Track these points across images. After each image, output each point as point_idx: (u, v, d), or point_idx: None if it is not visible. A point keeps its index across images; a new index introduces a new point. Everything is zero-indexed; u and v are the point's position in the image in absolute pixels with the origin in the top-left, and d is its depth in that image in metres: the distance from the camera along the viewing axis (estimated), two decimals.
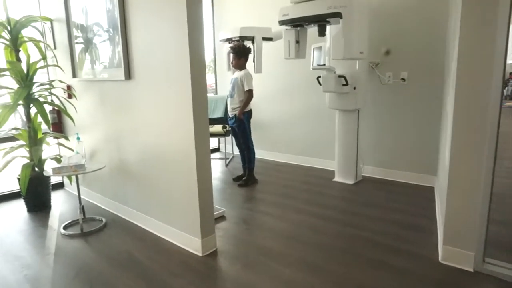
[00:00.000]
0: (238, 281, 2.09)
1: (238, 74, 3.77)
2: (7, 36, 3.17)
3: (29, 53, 3.29)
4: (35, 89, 3.30)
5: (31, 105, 3.24)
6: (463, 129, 2.04)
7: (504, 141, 2.10)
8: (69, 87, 3.45)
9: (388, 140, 3.92)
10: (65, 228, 2.90)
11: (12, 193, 3.66)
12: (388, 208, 3.12)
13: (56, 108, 3.47)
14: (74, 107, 3.38)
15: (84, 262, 2.36)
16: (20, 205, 3.44)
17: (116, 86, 2.88)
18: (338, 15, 2.97)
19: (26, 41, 3.28)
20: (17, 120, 3.86)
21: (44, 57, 3.38)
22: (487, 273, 2.06)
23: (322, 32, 3.37)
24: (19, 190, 3.26)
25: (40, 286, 2.11)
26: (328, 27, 3.40)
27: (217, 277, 2.17)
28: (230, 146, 5.37)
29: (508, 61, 1.95)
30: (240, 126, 3.82)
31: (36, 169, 3.32)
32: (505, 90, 2.03)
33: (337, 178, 3.97)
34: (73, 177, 3.43)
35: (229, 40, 4.12)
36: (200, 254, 2.41)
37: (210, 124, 4.66)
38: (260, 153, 4.81)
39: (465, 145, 2.04)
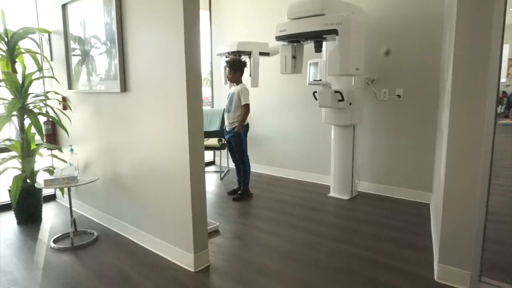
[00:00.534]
0: None
1: (235, 88, 3.79)
2: (4, 47, 3.17)
3: (25, 64, 3.29)
4: (30, 100, 3.28)
5: (25, 116, 3.21)
6: (458, 147, 2.04)
7: (499, 159, 2.10)
8: (64, 99, 3.43)
9: (383, 156, 3.92)
10: (55, 241, 2.84)
11: (2, 204, 3.60)
12: (383, 225, 3.09)
13: (50, 119, 3.45)
14: (69, 119, 3.36)
15: (73, 278, 2.31)
16: (10, 217, 3.37)
17: (112, 98, 2.87)
18: (334, 32, 3.00)
19: (23, 53, 3.28)
20: (11, 131, 3.83)
21: (40, 69, 3.38)
22: None
23: (318, 48, 3.40)
24: (10, 202, 3.20)
25: None
26: (324, 43, 3.44)
27: None
28: (225, 159, 5.34)
29: (502, 80, 1.96)
30: (237, 140, 3.81)
31: (28, 180, 3.27)
32: (498, 108, 2.04)
33: (332, 193, 3.95)
34: (65, 189, 3.38)
35: (226, 54, 4.15)
36: (192, 269, 2.36)
37: (206, 137, 4.68)
38: (255, 167, 4.78)
39: (460, 163, 2.04)
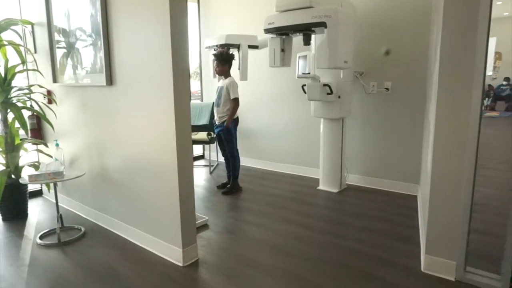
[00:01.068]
0: None
1: (224, 82, 3.76)
2: None
3: (8, 57, 3.20)
4: (13, 93, 3.20)
5: (9, 110, 3.14)
6: (444, 139, 2.06)
7: (485, 151, 2.13)
8: (49, 92, 3.36)
9: (372, 149, 3.95)
10: (41, 237, 2.80)
11: None
12: (371, 217, 3.12)
13: (35, 113, 3.38)
14: (54, 113, 3.29)
15: (60, 274, 2.28)
16: None
17: (98, 92, 2.82)
18: (322, 24, 2.99)
19: (5, 45, 3.19)
20: None
21: (23, 61, 3.30)
22: (468, 283, 2.07)
23: (307, 41, 3.39)
24: None
25: None
26: (313, 36, 3.43)
27: None
28: (214, 153, 5.32)
29: (488, 73, 1.99)
30: (226, 134, 3.79)
31: (13, 176, 3.21)
32: (485, 101, 2.06)
33: (321, 187, 3.97)
34: (51, 185, 3.32)
35: (214, 47, 4.11)
36: (181, 264, 2.35)
37: (195, 131, 4.66)
38: (245, 161, 4.78)
39: (447, 155, 2.06)
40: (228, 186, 3.94)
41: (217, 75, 3.98)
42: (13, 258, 2.51)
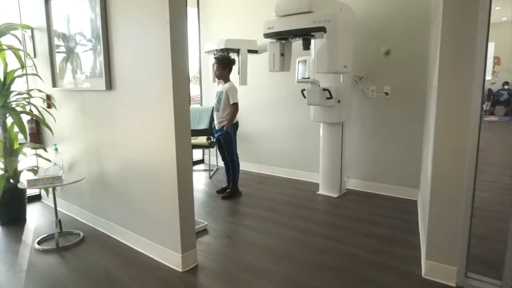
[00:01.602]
0: None
1: (223, 87, 3.76)
2: None
3: (7, 61, 3.20)
4: (12, 98, 3.20)
5: (8, 114, 3.14)
6: (444, 143, 2.05)
7: (485, 155, 2.12)
8: (48, 97, 3.36)
9: (372, 153, 3.94)
10: (39, 243, 2.78)
11: None
12: (372, 222, 3.11)
13: (34, 118, 3.37)
14: (53, 117, 3.29)
15: (58, 279, 2.26)
16: None
17: (97, 96, 2.82)
18: (322, 29, 3.00)
19: (5, 49, 3.19)
20: None
21: (23, 66, 3.30)
22: None
23: (306, 46, 3.40)
24: None
25: None
26: (312, 41, 3.43)
27: None
28: (214, 157, 5.31)
29: (487, 78, 1.98)
30: (226, 139, 3.79)
31: (11, 180, 3.20)
32: (484, 106, 2.06)
33: (321, 191, 3.96)
34: (50, 189, 3.31)
35: (214, 51, 4.12)
36: (180, 269, 2.34)
37: (195, 135, 4.65)
38: (244, 165, 4.77)
39: (447, 160, 2.05)
40: (228, 190, 3.93)
41: (216, 80, 3.98)
42: (11, 263, 2.49)
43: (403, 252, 2.54)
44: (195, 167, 5.34)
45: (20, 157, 3.29)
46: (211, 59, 4.18)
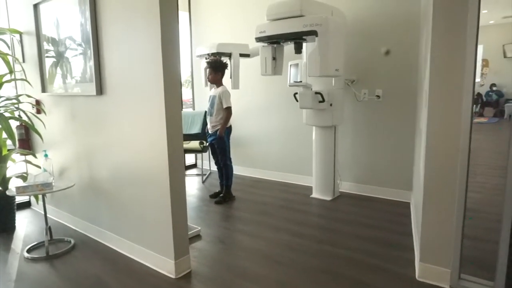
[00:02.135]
0: None
1: (216, 91, 3.74)
2: None
3: None
4: (0, 103, 3.15)
5: None
6: (436, 146, 2.07)
7: (475, 157, 2.14)
8: (38, 102, 3.31)
9: (364, 156, 3.96)
10: (29, 251, 2.73)
11: None
12: (365, 225, 3.11)
13: (23, 123, 3.32)
14: (43, 123, 3.24)
15: None
16: None
17: (88, 102, 2.78)
18: (313, 33, 3.00)
19: None
20: None
21: (11, 71, 3.25)
22: None
23: (298, 50, 3.40)
24: None
25: None
26: (304, 44, 3.44)
27: None
28: (207, 162, 5.28)
29: (476, 80, 2.01)
30: (219, 143, 3.77)
31: (0, 187, 3.13)
32: (474, 107, 2.08)
33: (314, 194, 3.96)
34: (40, 196, 3.25)
35: (206, 56, 4.11)
36: (173, 276, 2.31)
37: (187, 140, 4.62)
38: (237, 169, 4.74)
39: (439, 162, 2.06)
40: (221, 195, 3.90)
41: (209, 84, 3.97)
42: (0, 273, 2.44)
43: (397, 254, 2.55)
44: (188, 172, 5.30)
45: (9, 163, 3.23)
46: (203, 63, 4.16)
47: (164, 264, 2.37)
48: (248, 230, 3.08)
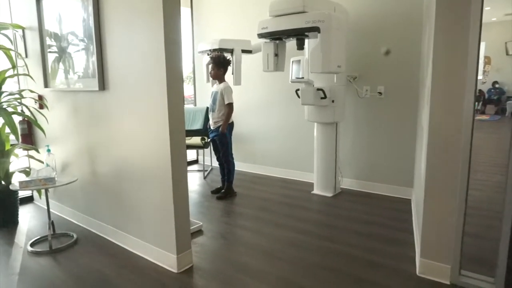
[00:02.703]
0: None
1: (218, 87, 3.75)
2: None
3: None
4: (3, 98, 3.16)
5: None
6: (437, 143, 2.07)
7: (477, 154, 2.15)
8: (40, 97, 3.32)
9: (366, 153, 3.96)
10: (32, 245, 2.75)
11: None
12: (366, 221, 3.13)
13: (26, 118, 3.33)
14: (46, 118, 3.25)
15: (51, 282, 2.23)
16: None
17: (90, 97, 2.79)
18: (316, 29, 3.00)
19: None
20: None
21: (14, 66, 3.25)
22: (463, 286, 2.08)
23: (300, 46, 3.40)
24: None
25: None
26: (306, 40, 3.44)
27: None
28: (209, 158, 5.30)
29: (478, 77, 2.01)
30: (221, 139, 3.78)
31: (3, 182, 3.15)
32: (476, 104, 2.08)
33: (316, 191, 3.97)
34: (43, 191, 3.27)
35: (208, 51, 4.11)
36: (175, 270, 2.33)
37: (189, 136, 4.63)
38: (239, 166, 4.76)
39: (440, 159, 2.07)
40: (223, 191, 3.92)
41: (210, 80, 3.97)
42: (3, 266, 2.46)
43: (398, 250, 2.56)
44: (189, 168, 5.32)
45: (12, 158, 3.25)
46: (205, 59, 4.16)
47: (166, 259, 2.38)
48: (249, 225, 3.09)
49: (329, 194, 3.86)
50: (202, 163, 5.27)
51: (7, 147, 3.24)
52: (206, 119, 4.52)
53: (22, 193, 3.59)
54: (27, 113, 3.29)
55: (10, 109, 3.16)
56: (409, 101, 3.59)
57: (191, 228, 2.76)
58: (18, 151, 3.39)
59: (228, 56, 3.94)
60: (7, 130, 3.13)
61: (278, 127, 4.64)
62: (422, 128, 2.60)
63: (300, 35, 3.24)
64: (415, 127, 3.55)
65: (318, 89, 3.53)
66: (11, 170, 3.22)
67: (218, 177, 4.16)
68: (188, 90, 5.73)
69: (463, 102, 1.96)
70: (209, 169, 5.15)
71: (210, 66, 3.81)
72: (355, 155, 4.03)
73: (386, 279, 2.19)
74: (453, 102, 1.99)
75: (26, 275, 2.33)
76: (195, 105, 5.51)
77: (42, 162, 3.18)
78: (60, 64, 3.03)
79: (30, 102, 3.35)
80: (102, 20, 2.54)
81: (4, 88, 3.18)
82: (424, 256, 2.20)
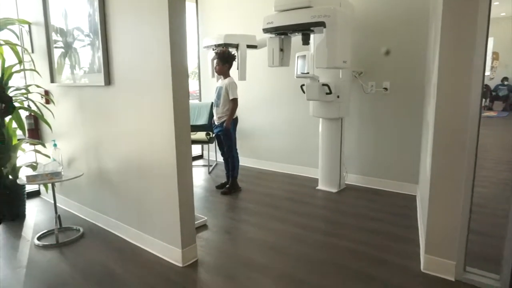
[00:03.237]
0: None
1: (223, 82, 3.75)
2: None
3: (5, 56, 3.18)
4: (10, 94, 3.18)
5: None
6: (443, 139, 2.06)
7: (483, 151, 2.13)
8: (46, 92, 3.34)
9: (371, 149, 3.95)
10: (39, 238, 2.78)
11: None
12: (371, 217, 3.12)
13: (32, 113, 3.36)
14: (52, 113, 3.27)
15: (58, 275, 2.26)
16: None
17: (96, 92, 2.80)
18: (321, 24, 2.98)
19: (2, 44, 3.17)
20: None
21: (20, 61, 3.28)
22: (468, 283, 2.07)
23: (306, 41, 3.39)
24: None
25: None
26: (312, 36, 3.42)
27: None
28: (213, 153, 5.31)
29: (486, 73, 1.98)
30: (226, 135, 3.79)
31: (10, 176, 3.19)
32: (483, 101, 2.06)
33: (320, 186, 3.97)
34: (49, 185, 3.30)
35: (213, 47, 4.10)
36: (180, 265, 2.34)
37: (194, 131, 4.64)
38: (243, 161, 4.77)
39: (446, 156, 2.06)
40: (227, 186, 3.93)
41: (216, 75, 3.97)
42: (11, 259, 2.49)
43: (402, 246, 2.56)
44: (194, 163, 5.34)
45: (19, 153, 3.28)
46: (210, 54, 4.16)
47: (171, 253, 2.40)
48: (254, 221, 3.10)
49: (334, 190, 3.85)
50: (207, 158, 5.29)
51: (14, 141, 3.27)
52: (211, 114, 4.52)
53: (29, 187, 3.63)
54: (33, 108, 3.32)
55: (17, 104, 3.19)
56: (415, 96, 3.57)
57: (196, 222, 2.78)
58: (25, 145, 3.42)
59: (233, 51, 3.93)
60: (14, 125, 3.16)
61: (283, 122, 4.63)
62: (428, 124, 2.58)
63: (305, 30, 3.23)
64: (420, 123, 3.53)
65: (323, 85, 3.52)
66: (18, 164, 3.26)
67: (223, 172, 4.17)
68: (193, 85, 5.74)
69: (470, 98, 1.94)
70: (214, 164, 5.16)
71: (215, 61, 3.80)
72: (360, 150, 4.02)
73: (390, 275, 2.19)
74: (460, 98, 1.97)
75: (33, 268, 2.36)
76: (200, 100, 5.52)
77: (49, 157, 3.21)
78: (66, 59, 3.05)
79: (36, 97, 3.38)
80: (107, 15, 2.55)
81: (10, 83, 3.20)
82: (428, 252, 2.19)
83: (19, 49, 3.31)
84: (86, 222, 3.11)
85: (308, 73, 3.59)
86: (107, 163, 2.86)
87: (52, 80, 3.23)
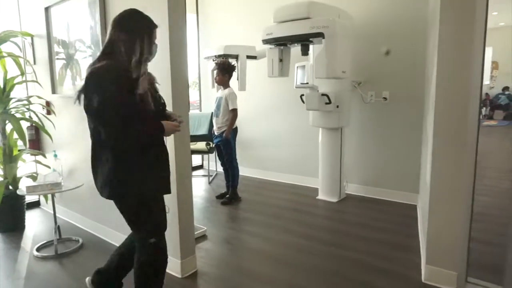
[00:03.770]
0: None
1: (223, 93, 3.77)
2: None
3: (7, 68, 3.22)
4: (12, 105, 3.21)
5: (7, 121, 3.14)
6: (443, 149, 2.06)
7: (484, 159, 2.13)
8: (48, 103, 3.37)
9: (370, 158, 3.95)
10: (38, 249, 2.77)
11: None
12: (371, 227, 3.10)
13: (33, 124, 3.38)
14: (53, 124, 3.29)
15: (57, 286, 2.25)
16: None
17: None
18: (320, 35, 3.01)
19: (5, 56, 3.21)
20: None
21: (22, 73, 3.31)
22: None
23: (305, 52, 3.41)
24: None
25: None
26: (311, 46, 3.45)
27: None
28: (213, 163, 5.31)
29: (486, 82, 2.00)
30: (225, 145, 3.80)
31: (10, 187, 3.19)
32: (483, 110, 2.07)
33: (321, 196, 3.96)
34: (49, 196, 3.30)
35: (213, 57, 4.14)
36: (179, 276, 2.33)
37: (194, 141, 4.65)
38: (244, 171, 4.76)
39: (446, 165, 2.06)
40: (227, 196, 3.92)
41: (216, 85, 4.00)
42: (10, 270, 2.48)
43: (403, 257, 2.54)
44: (194, 173, 5.33)
45: (19, 163, 3.29)
46: (211, 65, 4.19)
47: (170, 264, 2.37)
48: (254, 231, 3.09)
49: (334, 200, 3.84)
50: (207, 168, 5.29)
51: (15, 152, 3.28)
52: (211, 124, 4.54)
53: (29, 198, 3.63)
54: (35, 119, 3.34)
55: (18, 115, 3.21)
56: (414, 106, 3.58)
57: (196, 233, 2.76)
58: (26, 156, 3.44)
59: (233, 62, 3.97)
60: (15, 135, 3.17)
61: (283, 132, 4.64)
62: (427, 134, 2.58)
63: (304, 41, 3.26)
64: (420, 132, 3.53)
65: (322, 94, 3.54)
66: (18, 175, 3.26)
67: (223, 182, 4.17)
68: (193, 95, 5.77)
69: (468, 107, 1.94)
70: (214, 174, 5.16)
71: (215, 71, 3.84)
72: (360, 160, 4.02)
73: (391, 286, 2.17)
74: (458, 107, 1.98)
75: (32, 279, 2.35)
76: (200, 110, 5.54)
77: (49, 167, 3.22)
78: (68, 70, 3.08)
79: (38, 108, 3.40)
80: (108, 27, 2.57)
81: (12, 94, 3.23)
82: (430, 262, 2.17)
83: (21, 61, 3.35)
84: (85, 233, 3.09)
85: (307, 83, 3.61)
86: None
87: (54, 91, 3.25)
